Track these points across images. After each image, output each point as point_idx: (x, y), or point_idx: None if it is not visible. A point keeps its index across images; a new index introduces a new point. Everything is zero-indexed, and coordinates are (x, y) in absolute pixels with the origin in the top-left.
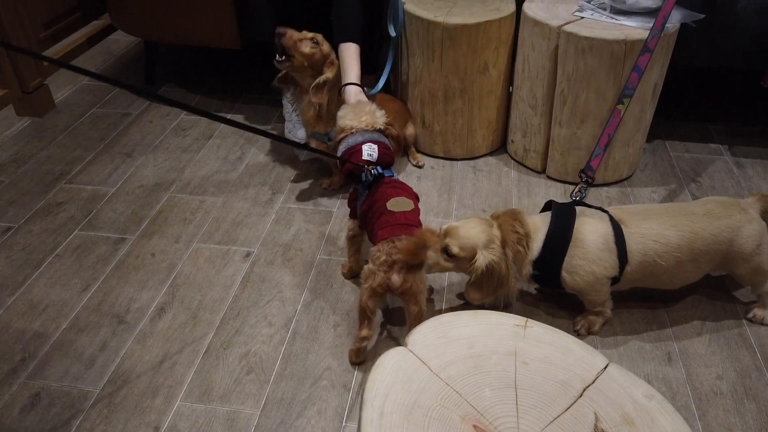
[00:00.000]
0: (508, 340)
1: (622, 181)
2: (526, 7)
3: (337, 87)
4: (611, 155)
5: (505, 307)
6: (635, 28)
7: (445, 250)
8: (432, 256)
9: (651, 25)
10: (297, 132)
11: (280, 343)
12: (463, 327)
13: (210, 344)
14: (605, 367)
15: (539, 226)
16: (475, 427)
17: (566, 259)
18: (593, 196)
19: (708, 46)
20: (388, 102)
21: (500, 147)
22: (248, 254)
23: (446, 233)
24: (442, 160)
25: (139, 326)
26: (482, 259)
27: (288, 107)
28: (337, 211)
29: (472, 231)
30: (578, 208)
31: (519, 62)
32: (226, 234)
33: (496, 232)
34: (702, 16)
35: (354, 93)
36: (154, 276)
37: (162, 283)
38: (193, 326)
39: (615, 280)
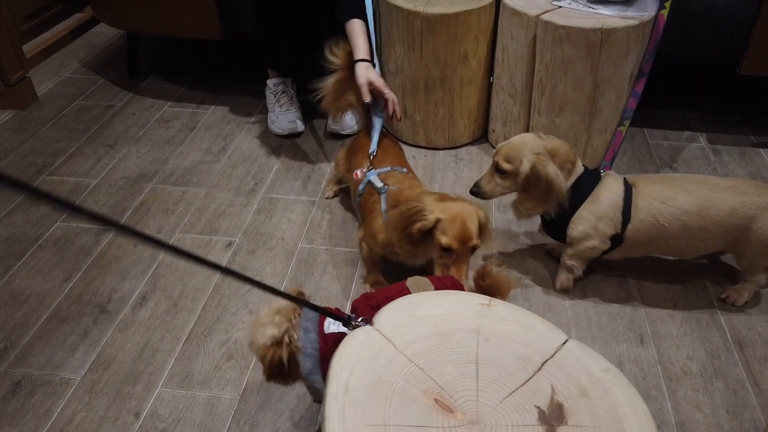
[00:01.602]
0: (472, 318)
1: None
2: None
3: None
4: (590, 143)
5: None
6: (611, 17)
7: (497, 169)
8: (490, 180)
9: (627, 13)
10: (280, 123)
11: None
12: (429, 306)
13: (191, 332)
14: (564, 343)
15: (579, 169)
16: (436, 400)
17: (581, 207)
18: None
19: (686, 36)
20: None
21: (482, 136)
22: (230, 243)
23: (496, 153)
24: (424, 150)
25: (121, 315)
26: (526, 163)
27: (271, 98)
28: (318, 200)
29: (516, 143)
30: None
31: (498, 51)
32: (209, 224)
33: (547, 144)
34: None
35: (363, 68)
36: (135, 266)
37: (143, 272)
38: (175, 315)
39: (619, 242)
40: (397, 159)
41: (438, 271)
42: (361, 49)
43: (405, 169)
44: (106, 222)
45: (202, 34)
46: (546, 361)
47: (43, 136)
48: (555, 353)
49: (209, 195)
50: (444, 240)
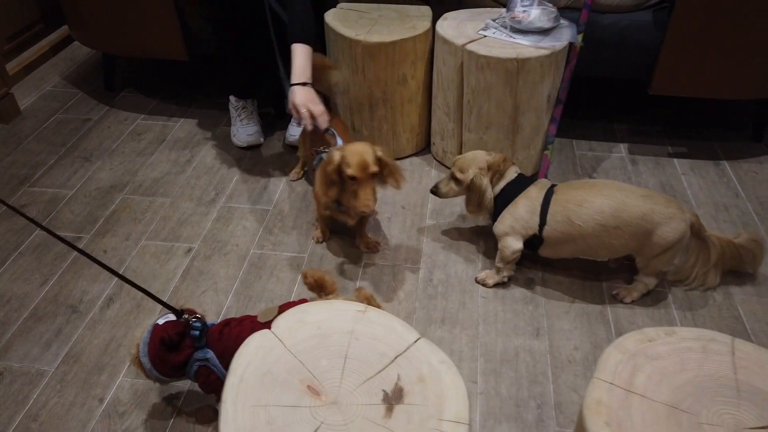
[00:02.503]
0: (348, 323)
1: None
2: (439, 26)
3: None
4: (515, 156)
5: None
6: (527, 47)
7: (452, 176)
8: (447, 184)
9: (541, 43)
10: (240, 136)
11: None
12: (316, 313)
13: None
14: (416, 341)
15: (510, 176)
16: (308, 386)
17: (504, 210)
18: None
19: (598, 60)
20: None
21: (425, 148)
22: (190, 250)
23: (453, 164)
24: None
25: (90, 314)
26: (470, 173)
27: (233, 113)
28: (272, 209)
29: (468, 157)
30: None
31: (435, 75)
32: (171, 232)
33: (490, 159)
34: (578, 41)
35: (294, 91)
36: (104, 271)
37: (112, 277)
38: (138, 314)
39: (540, 242)
40: (343, 133)
41: (350, 198)
42: (295, 74)
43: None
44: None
45: (170, 55)
46: (398, 356)
47: (25, 149)
48: (407, 349)
49: (174, 204)
50: (348, 170)
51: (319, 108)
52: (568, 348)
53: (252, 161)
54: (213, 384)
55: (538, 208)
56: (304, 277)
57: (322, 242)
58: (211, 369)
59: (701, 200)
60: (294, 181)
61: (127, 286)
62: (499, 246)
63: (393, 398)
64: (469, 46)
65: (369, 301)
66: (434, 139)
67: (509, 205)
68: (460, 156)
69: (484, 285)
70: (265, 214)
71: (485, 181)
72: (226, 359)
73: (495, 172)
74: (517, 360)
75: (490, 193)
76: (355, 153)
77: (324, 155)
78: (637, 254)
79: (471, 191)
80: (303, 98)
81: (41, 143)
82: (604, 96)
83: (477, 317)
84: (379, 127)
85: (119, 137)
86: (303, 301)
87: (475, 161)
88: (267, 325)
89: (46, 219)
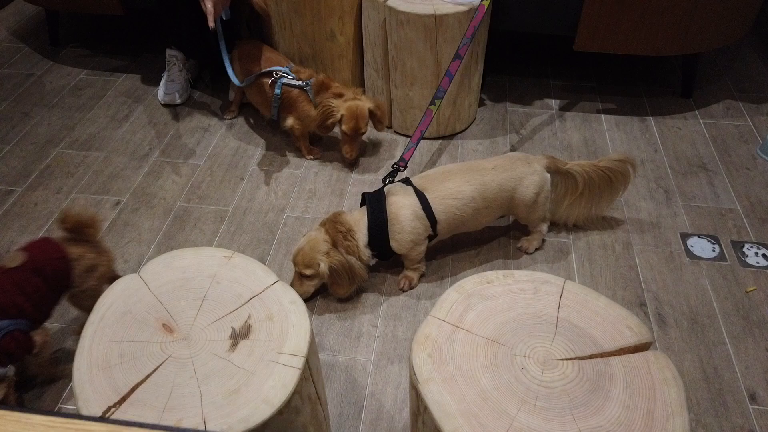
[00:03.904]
0: (213, 267)
1: (455, 134)
2: None
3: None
4: (442, 113)
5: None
6: (444, 3)
7: (303, 276)
8: (301, 285)
9: (459, 0)
10: (160, 92)
11: None
12: (184, 259)
13: None
14: (273, 284)
15: (359, 218)
16: (163, 325)
17: (389, 234)
18: (427, 149)
19: (521, 15)
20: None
21: None
22: (118, 203)
23: (294, 263)
24: None
25: None
26: (323, 266)
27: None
28: (203, 163)
29: (307, 250)
30: (386, 189)
31: (363, 30)
32: (102, 185)
33: (327, 237)
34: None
35: None
36: (34, 222)
37: (40, 228)
38: None
39: (433, 236)
40: (278, 59)
41: (342, 146)
42: None
43: (293, 65)
44: None
45: (104, 9)
46: (253, 297)
47: None
48: (263, 291)
49: (107, 159)
50: (344, 128)
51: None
52: None
53: (188, 117)
54: (25, 341)
55: (422, 212)
56: (62, 222)
57: (319, 156)
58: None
59: None
60: (229, 120)
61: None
62: (407, 258)
63: (240, 334)
64: (390, 2)
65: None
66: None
67: (389, 226)
68: (297, 251)
69: (409, 288)
70: (195, 168)
71: (343, 258)
72: None
73: (343, 237)
74: (418, 304)
75: (358, 264)
76: (352, 115)
77: (286, 80)
78: (514, 215)
79: (337, 278)
80: None
81: None
82: (542, 52)
83: (385, 266)
84: None
85: (60, 92)
86: (46, 239)
87: (315, 250)
88: (16, 272)
89: None
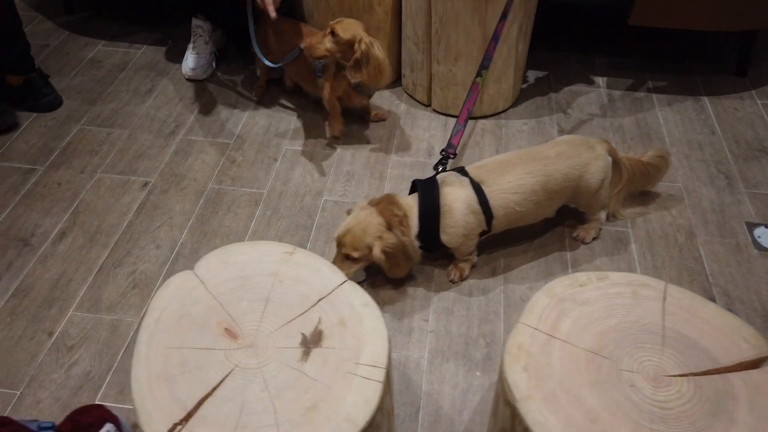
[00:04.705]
0: (273, 264)
1: (498, 113)
2: None
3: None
4: (485, 91)
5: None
6: None
7: (348, 258)
8: (342, 265)
9: None
10: (184, 65)
11: (164, 262)
12: (240, 254)
13: (103, 264)
14: (342, 283)
15: (412, 205)
16: (225, 329)
17: (440, 227)
18: (468, 129)
19: None
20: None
21: (396, 81)
22: (146, 184)
23: (339, 243)
24: None
25: (42, 248)
26: (376, 250)
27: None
28: (233, 142)
29: (357, 231)
30: (440, 178)
31: (404, 1)
32: (128, 165)
33: (379, 219)
34: None
35: None
36: (58, 204)
37: (65, 210)
38: (90, 248)
39: (486, 232)
40: (316, 31)
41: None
42: None
43: None
44: None
45: None
46: (322, 298)
47: None
48: (331, 292)
49: (132, 136)
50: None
51: None
52: (522, 287)
53: (215, 92)
54: None
55: (478, 206)
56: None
57: (339, 138)
58: None
59: (675, 137)
60: (258, 97)
61: (80, 219)
62: (457, 251)
63: (311, 341)
64: None
65: None
66: (404, 71)
67: (441, 218)
68: (343, 231)
69: (460, 280)
70: (225, 147)
71: (398, 238)
72: None
73: (399, 222)
74: (470, 299)
75: (412, 245)
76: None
77: (323, 62)
78: (576, 203)
79: (392, 260)
80: None
81: None
82: (587, 27)
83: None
84: None
85: (78, 64)
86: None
87: (366, 233)
88: None
89: None
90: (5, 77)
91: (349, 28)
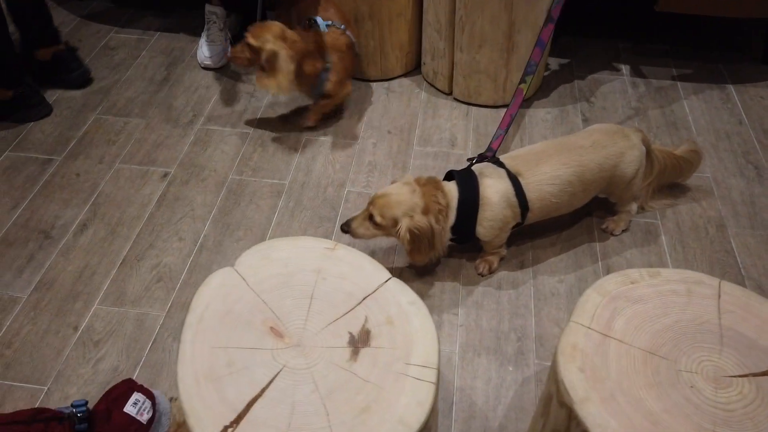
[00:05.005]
0: (316, 261)
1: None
2: None
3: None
4: (509, 79)
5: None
6: None
7: (371, 219)
8: (362, 224)
9: None
10: (200, 54)
11: (188, 255)
12: (282, 251)
13: (126, 256)
14: (386, 281)
15: (453, 195)
16: (271, 328)
17: (478, 217)
18: (491, 117)
19: None
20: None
21: (416, 69)
22: (166, 174)
23: (371, 202)
24: (357, 82)
25: (63, 240)
26: (403, 228)
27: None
28: (252, 132)
29: (393, 200)
30: (477, 169)
31: None
32: (147, 155)
33: (418, 200)
34: None
35: None
36: (78, 195)
37: (85, 201)
38: (112, 241)
39: (519, 224)
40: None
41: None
42: None
43: (343, 26)
44: None
45: None
46: (367, 296)
47: None
48: (376, 290)
49: (149, 126)
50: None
51: None
52: (551, 280)
53: (232, 80)
54: None
55: (515, 199)
56: None
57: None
58: None
59: (702, 126)
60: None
61: (101, 210)
62: (488, 243)
63: (359, 341)
64: None
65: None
66: (425, 59)
67: (480, 210)
68: (380, 194)
69: (489, 273)
70: (244, 137)
71: (426, 222)
72: None
73: (440, 212)
74: (499, 292)
75: (442, 235)
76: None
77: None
78: (608, 194)
79: (416, 242)
80: None
81: None
82: (610, 13)
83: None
84: (366, 43)
85: (91, 52)
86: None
87: (400, 206)
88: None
89: (16, 139)
90: (34, 55)
91: (259, 34)
